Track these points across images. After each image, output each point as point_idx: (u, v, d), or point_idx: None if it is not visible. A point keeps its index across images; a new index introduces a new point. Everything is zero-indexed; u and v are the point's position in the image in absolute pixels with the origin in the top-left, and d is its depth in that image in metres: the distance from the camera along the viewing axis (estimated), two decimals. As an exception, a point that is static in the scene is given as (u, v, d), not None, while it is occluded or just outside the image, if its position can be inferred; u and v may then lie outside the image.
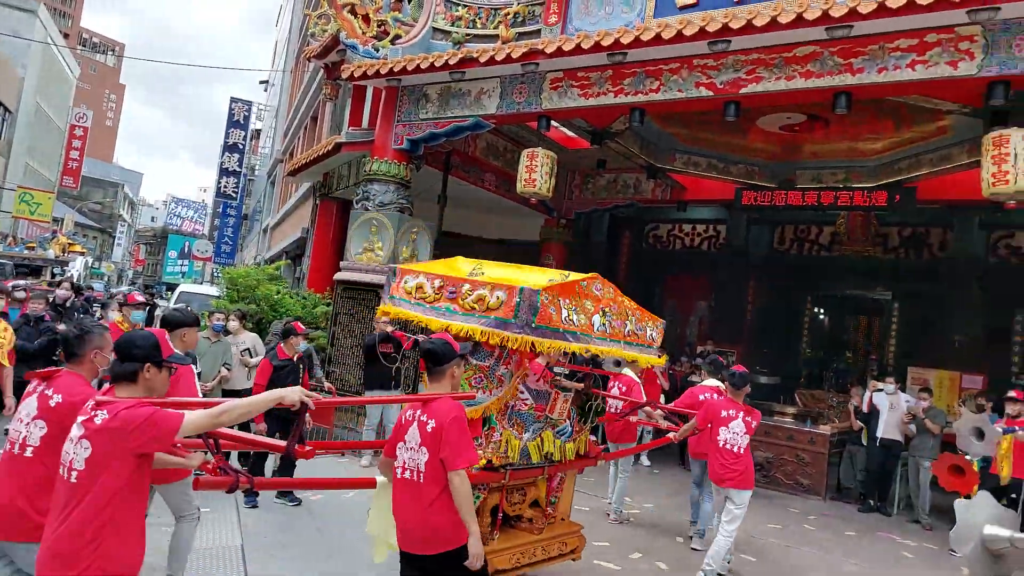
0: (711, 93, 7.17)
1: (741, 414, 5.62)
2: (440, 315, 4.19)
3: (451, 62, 8.34)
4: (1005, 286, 12.16)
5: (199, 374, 6.96)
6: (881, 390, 8.84)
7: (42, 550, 2.49)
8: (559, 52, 7.55)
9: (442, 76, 8.77)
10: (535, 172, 8.59)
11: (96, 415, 2.48)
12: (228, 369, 7.45)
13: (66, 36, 44.64)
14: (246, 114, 31.45)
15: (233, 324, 8.01)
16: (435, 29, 9.37)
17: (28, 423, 2.84)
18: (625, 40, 7.07)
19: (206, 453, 2.98)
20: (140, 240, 71.16)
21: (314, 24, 10.93)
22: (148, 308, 15.96)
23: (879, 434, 8.66)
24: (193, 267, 45.34)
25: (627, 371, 7.20)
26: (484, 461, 4.05)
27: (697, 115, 9.45)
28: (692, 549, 6.39)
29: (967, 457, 7.46)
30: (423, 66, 8.56)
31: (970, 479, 7.11)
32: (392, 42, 9.29)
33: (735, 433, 5.56)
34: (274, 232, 24.64)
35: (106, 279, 44.92)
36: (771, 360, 13.77)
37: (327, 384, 8.27)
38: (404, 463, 3.21)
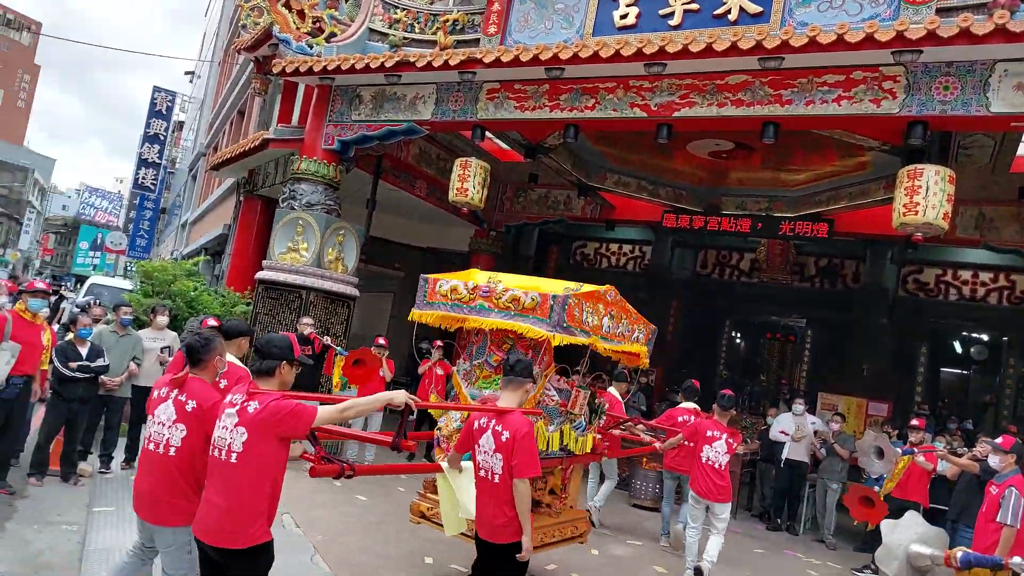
0: (645, 115, 7.25)
1: (724, 435, 6.13)
2: (477, 313, 4.74)
3: (387, 64, 8.15)
4: (912, 319, 12.83)
5: (106, 367, 6.55)
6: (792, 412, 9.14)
7: (209, 519, 2.99)
8: (497, 63, 7.48)
9: (377, 78, 8.57)
10: (468, 181, 8.49)
11: (248, 405, 2.99)
12: (138, 364, 7.02)
13: (-24, 8, 41.86)
14: (169, 104, 30.03)
15: (161, 319, 7.58)
16: (372, 30, 9.16)
17: (169, 426, 3.27)
18: (563, 56, 7.06)
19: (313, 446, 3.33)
20: (49, 229, 67.05)
21: (246, 16, 10.51)
22: (57, 298, 14.97)
23: (785, 455, 8.91)
24: (105, 260, 42.96)
25: (611, 389, 7.45)
26: None
27: (630, 135, 9.57)
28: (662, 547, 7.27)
29: (877, 486, 7.76)
30: (358, 66, 8.33)
31: (879, 510, 7.37)
32: (327, 40, 9.02)
33: (717, 452, 6.07)
34: (194, 228, 23.64)
35: (11, 267, 42.04)
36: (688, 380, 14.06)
37: (242, 386, 7.91)
38: (480, 464, 3.75)
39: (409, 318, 5.21)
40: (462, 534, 4.36)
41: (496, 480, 3.64)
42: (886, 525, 4.38)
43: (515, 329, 4.52)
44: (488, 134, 9.00)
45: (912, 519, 4.28)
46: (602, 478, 8.04)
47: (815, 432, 8.92)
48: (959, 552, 3.75)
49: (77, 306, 8.71)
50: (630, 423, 6.81)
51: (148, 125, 29.79)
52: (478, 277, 4.99)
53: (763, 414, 11.14)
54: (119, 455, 7.20)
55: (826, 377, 13.19)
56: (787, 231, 10.97)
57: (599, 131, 9.39)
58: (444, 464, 4.12)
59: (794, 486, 9.02)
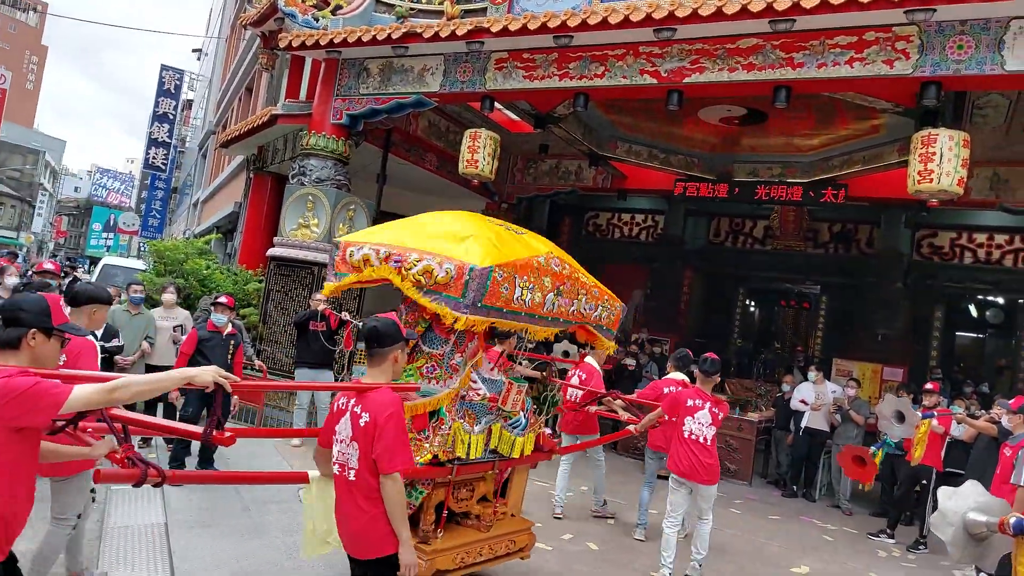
0: (655, 81, 7.17)
1: (708, 404, 5.33)
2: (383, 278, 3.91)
3: (394, 36, 8.09)
4: (927, 283, 12.74)
5: (120, 348, 6.63)
6: (808, 380, 9.17)
7: None
8: (505, 32, 7.41)
9: (384, 50, 8.51)
10: (478, 153, 8.46)
11: None
12: (151, 343, 7.09)
13: (-19, -11, 41.76)
14: (177, 83, 30.02)
15: (168, 297, 7.62)
16: (378, 1, 9.08)
17: None
18: (572, 23, 6.98)
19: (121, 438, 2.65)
20: (62, 211, 67.53)
21: (251, -11, 10.44)
22: (70, 280, 15.16)
23: (804, 423, 8.94)
24: (119, 240, 43.31)
25: (589, 359, 6.84)
26: (430, 456, 3.74)
27: (640, 103, 9.48)
28: (636, 539, 6.33)
29: (875, 446, 7.83)
30: (364, 39, 8.27)
31: (870, 469, 7.49)
32: (333, 12, 8.96)
33: (700, 424, 5.27)
34: (205, 206, 23.74)
35: (24, 250, 42.49)
36: (703, 349, 14.00)
37: (257, 362, 7.99)
38: (337, 457, 2.93)
39: (324, 292, 4.57)
40: None
41: (352, 477, 2.84)
42: (943, 492, 4.34)
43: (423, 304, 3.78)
44: (497, 105, 8.92)
45: (972, 488, 4.24)
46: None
47: (833, 399, 8.94)
48: (1012, 518, 3.69)
49: None
50: (608, 398, 6.06)
51: (157, 104, 29.81)
52: (412, 226, 4.21)
53: (778, 381, 11.16)
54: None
55: (841, 343, 13.18)
56: (762, 195, 11.06)
57: (609, 99, 9.30)
58: (313, 473, 3.22)
59: (812, 454, 9.05)
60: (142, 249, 27.81)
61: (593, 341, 4.67)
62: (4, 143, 45.22)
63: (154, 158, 30.51)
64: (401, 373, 3.26)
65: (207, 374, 2.45)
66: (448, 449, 3.82)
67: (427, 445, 3.79)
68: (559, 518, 6.60)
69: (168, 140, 30.47)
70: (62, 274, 8.81)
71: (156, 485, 2.50)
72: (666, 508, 5.44)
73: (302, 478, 3.23)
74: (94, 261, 29.62)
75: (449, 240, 3.89)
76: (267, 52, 11.93)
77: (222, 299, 6.62)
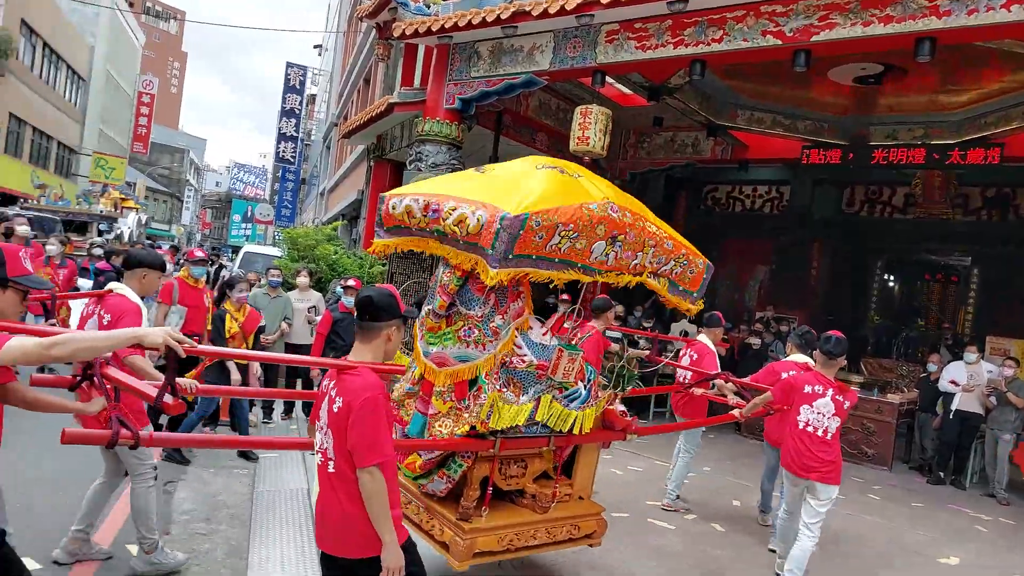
0: (779, 42, 6.70)
1: (831, 392, 4.60)
2: (429, 237, 3.62)
3: (503, 16, 8.05)
4: (1100, 250, 11.32)
5: (263, 327, 7.13)
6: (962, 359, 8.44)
7: None
8: (615, 2, 7.18)
9: (494, 32, 8.50)
10: (588, 129, 8.30)
11: None
12: (289, 324, 7.59)
13: (130, 4, 45.71)
14: (301, 79, 31.64)
15: (302, 280, 8.14)
16: (487, -18, 9.07)
17: None
18: (686, -14, 6.66)
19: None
20: (206, 204, 73.34)
21: (366, -18, 10.74)
22: (216, 267, 16.55)
23: (955, 406, 8.23)
24: (256, 230, 46.54)
25: (702, 338, 6.45)
26: (467, 427, 3.42)
27: (762, 67, 8.93)
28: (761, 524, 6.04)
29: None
30: (474, 22, 8.30)
31: None
32: (443, -2, 9.05)
33: (820, 414, 4.58)
34: (331, 195, 24.95)
35: (176, 240, 46.58)
36: (836, 327, 13.22)
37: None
38: (318, 445, 2.61)
39: (370, 250, 4.27)
40: None
41: (331, 468, 2.54)
42: None
43: (447, 257, 3.44)
44: (608, 79, 8.72)
45: None
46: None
47: (988, 380, 8.17)
48: None
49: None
50: (720, 379, 5.50)
51: (284, 100, 31.59)
52: (455, 179, 3.78)
53: (922, 361, 10.34)
54: (279, 406, 7.88)
55: (996, 319, 11.97)
56: (879, 159, 10.30)
57: (728, 65, 8.84)
58: None
59: (963, 439, 8.32)
60: (277, 237, 29.77)
61: (665, 301, 3.99)
62: (155, 144, 49.55)
63: (284, 152, 32.42)
64: (394, 354, 2.91)
65: (156, 335, 2.25)
66: (484, 420, 3.43)
67: (466, 415, 3.48)
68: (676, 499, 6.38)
69: (295, 134, 32.27)
70: (209, 261, 9.70)
71: (132, 447, 2.42)
72: (782, 495, 5.08)
73: (307, 446, 3.07)
74: (235, 249, 32.03)
75: (498, 188, 3.49)
76: (382, 43, 12.24)
77: (351, 282, 6.97)
